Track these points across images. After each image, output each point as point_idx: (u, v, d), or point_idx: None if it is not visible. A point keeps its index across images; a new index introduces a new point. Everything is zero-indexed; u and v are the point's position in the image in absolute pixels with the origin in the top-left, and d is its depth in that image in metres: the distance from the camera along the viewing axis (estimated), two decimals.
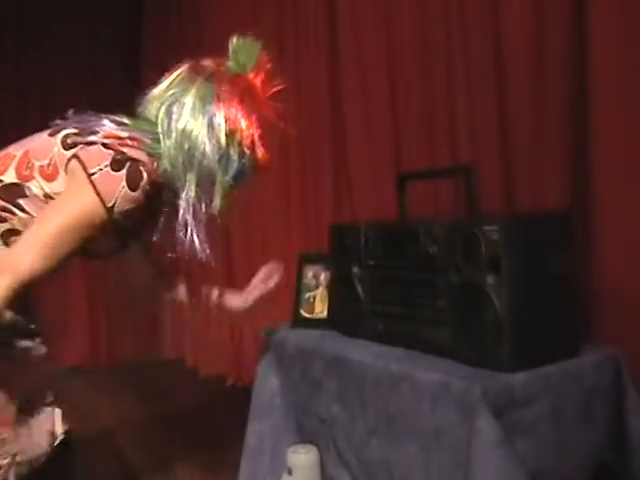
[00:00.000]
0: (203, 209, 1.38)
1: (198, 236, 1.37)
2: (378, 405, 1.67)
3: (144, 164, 1.34)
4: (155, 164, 1.37)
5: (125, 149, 1.33)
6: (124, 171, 1.31)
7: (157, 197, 1.42)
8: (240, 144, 1.40)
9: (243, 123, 1.39)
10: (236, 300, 1.83)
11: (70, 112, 1.43)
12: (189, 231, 1.37)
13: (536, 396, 1.46)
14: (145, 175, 1.34)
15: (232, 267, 3.93)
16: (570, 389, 1.52)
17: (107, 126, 1.37)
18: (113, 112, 1.46)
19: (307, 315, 2.19)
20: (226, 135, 1.38)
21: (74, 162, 1.33)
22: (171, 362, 4.89)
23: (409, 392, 1.57)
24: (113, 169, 1.31)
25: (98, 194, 1.30)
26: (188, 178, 1.37)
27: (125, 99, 1.46)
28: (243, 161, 1.41)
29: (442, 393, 1.48)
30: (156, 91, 1.44)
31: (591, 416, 1.56)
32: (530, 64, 2.04)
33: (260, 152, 1.43)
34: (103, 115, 1.42)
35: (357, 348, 1.84)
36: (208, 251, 1.37)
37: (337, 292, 2.06)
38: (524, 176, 2.08)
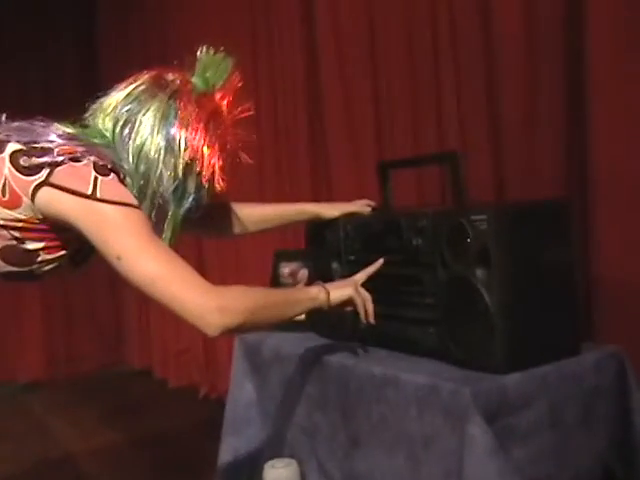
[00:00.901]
0: None
1: None
2: (361, 412, 1.66)
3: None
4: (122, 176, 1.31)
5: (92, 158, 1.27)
6: (112, 175, 1.26)
7: None
8: (199, 175, 1.33)
9: (205, 151, 1.33)
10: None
11: (2, 118, 1.35)
12: None
13: (532, 399, 1.46)
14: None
15: (203, 266, 3.90)
16: (569, 390, 1.52)
17: (56, 141, 1.28)
18: (66, 114, 1.38)
19: None
20: (185, 163, 1.31)
21: (53, 192, 1.24)
22: (138, 374, 4.83)
23: (394, 397, 1.56)
24: (101, 174, 1.25)
25: (118, 203, 1.24)
26: (142, 207, 1.30)
27: (82, 99, 1.39)
28: (200, 194, 1.34)
29: (430, 397, 1.47)
30: (110, 101, 1.36)
31: (593, 419, 1.56)
32: (522, 42, 2.04)
33: (219, 186, 1.36)
34: (43, 124, 1.33)
35: (338, 351, 1.83)
36: None
37: None
38: (516, 163, 2.08)
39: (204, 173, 1.34)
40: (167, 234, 1.34)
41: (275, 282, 2.23)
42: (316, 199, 3.00)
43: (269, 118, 3.26)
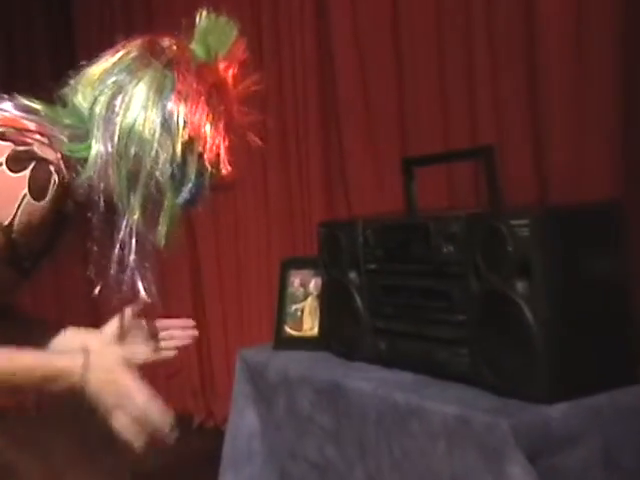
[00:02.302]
0: (148, 239, 1.23)
1: (142, 274, 1.23)
2: (381, 446, 1.65)
3: (56, 166, 1.20)
4: (73, 173, 1.22)
5: (30, 142, 1.18)
6: (26, 172, 1.16)
7: (70, 214, 1.27)
8: (201, 157, 1.24)
9: (208, 130, 1.25)
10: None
11: None
12: (130, 268, 1.22)
13: (582, 435, 1.43)
14: (56, 180, 1.18)
15: (199, 275, 3.88)
16: (625, 425, 1.48)
17: (8, 111, 1.21)
18: (35, 91, 1.29)
19: (293, 333, 2.19)
20: (184, 143, 1.23)
21: None
22: None
23: (419, 429, 1.55)
24: (11, 168, 1.15)
25: None
26: (131, 197, 1.22)
27: (55, 74, 1.29)
28: (201, 180, 1.26)
29: (461, 430, 1.45)
30: (95, 71, 1.27)
31: None
32: (567, 25, 2.02)
33: (225, 170, 1.27)
34: (4, 95, 1.25)
35: (355, 374, 1.83)
36: (154, 292, 1.24)
37: (330, 304, 2.05)
38: (560, 159, 2.06)
39: (207, 155, 1.25)
40: (163, 228, 1.25)
41: (284, 293, 2.22)
42: (330, 203, 3.00)
43: (275, 110, 3.24)
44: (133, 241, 1.23)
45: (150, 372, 4.24)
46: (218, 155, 1.26)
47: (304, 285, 2.22)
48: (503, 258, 1.49)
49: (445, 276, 1.67)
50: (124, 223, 1.23)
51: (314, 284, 2.20)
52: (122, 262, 1.23)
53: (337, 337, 2.01)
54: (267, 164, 3.34)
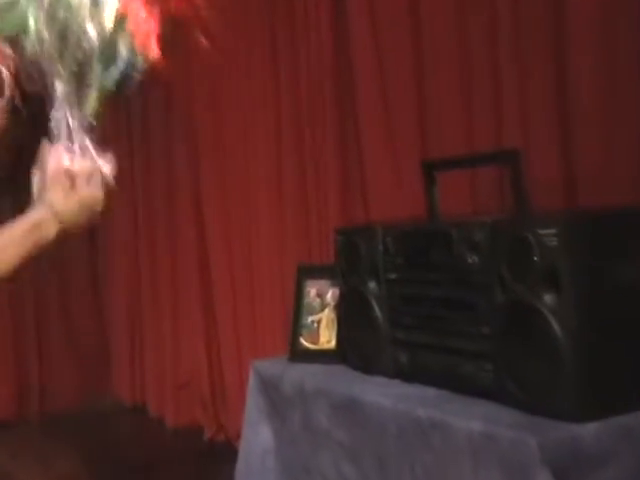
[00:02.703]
0: (79, 113, 1.24)
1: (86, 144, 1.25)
2: (402, 463, 1.65)
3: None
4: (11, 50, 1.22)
5: None
6: None
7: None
8: (131, 38, 1.25)
9: (140, 11, 1.25)
10: None
11: None
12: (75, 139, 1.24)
13: (613, 454, 1.41)
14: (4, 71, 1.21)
15: (209, 285, 3.90)
16: None
17: None
18: None
19: (309, 345, 2.20)
20: (114, 19, 1.23)
21: None
22: (127, 411, 4.70)
23: (442, 446, 1.54)
24: None
25: None
26: (60, 63, 1.22)
27: None
28: (131, 62, 1.25)
29: (486, 448, 1.45)
30: None
31: None
32: (598, 22, 2.00)
33: (154, 54, 1.26)
34: None
35: (374, 388, 1.83)
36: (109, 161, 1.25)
37: (347, 314, 2.06)
38: (590, 162, 2.03)
39: (137, 37, 1.26)
40: (91, 104, 1.25)
41: (299, 304, 2.24)
42: (347, 205, 2.99)
43: (290, 108, 3.25)
44: (68, 111, 1.23)
45: (158, 383, 4.26)
46: (149, 39, 1.26)
47: (321, 296, 2.23)
48: (529, 267, 1.49)
49: (469, 286, 1.67)
50: (58, 94, 1.23)
51: (331, 295, 2.21)
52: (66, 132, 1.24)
53: (355, 349, 2.02)
54: (281, 165, 3.35)
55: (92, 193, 1.26)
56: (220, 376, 3.93)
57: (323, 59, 3.05)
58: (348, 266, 2.02)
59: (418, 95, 2.64)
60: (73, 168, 1.24)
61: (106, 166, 1.27)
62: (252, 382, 2.18)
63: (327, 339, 2.18)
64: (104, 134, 1.27)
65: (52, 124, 1.24)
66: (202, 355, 4.01)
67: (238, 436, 2.14)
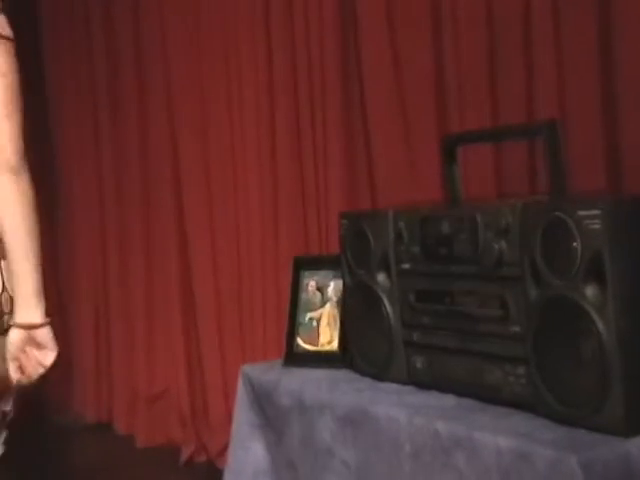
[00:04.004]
0: None
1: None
2: None
3: None
4: None
5: None
6: None
7: None
8: None
9: None
10: None
11: None
12: None
13: None
14: None
15: (189, 279, 3.88)
16: None
17: None
18: None
19: (308, 347, 2.22)
20: None
21: None
22: (92, 428, 4.58)
23: (466, 467, 1.54)
24: None
25: None
26: None
27: None
28: None
29: (519, 467, 1.45)
30: None
31: None
32: None
33: None
34: None
35: (386, 397, 1.84)
36: None
37: (353, 312, 2.07)
38: (637, 136, 2.03)
39: None
40: None
41: (296, 299, 2.25)
42: (352, 188, 2.99)
43: (284, 71, 3.23)
44: None
45: (128, 395, 4.24)
46: None
47: (321, 289, 2.24)
48: (568, 257, 1.49)
49: (497, 279, 1.67)
50: None
51: (333, 288, 2.22)
52: None
53: (362, 352, 2.02)
54: (274, 138, 3.33)
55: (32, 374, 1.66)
56: (202, 385, 3.89)
57: (325, 11, 3.03)
58: (354, 255, 2.03)
59: (435, 57, 2.63)
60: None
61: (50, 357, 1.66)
62: (241, 391, 2.18)
63: (328, 339, 2.20)
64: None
65: None
66: (180, 361, 3.99)
67: (223, 455, 2.13)
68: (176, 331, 4.01)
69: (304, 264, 2.28)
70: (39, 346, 1.64)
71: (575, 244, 1.48)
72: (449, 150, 2.01)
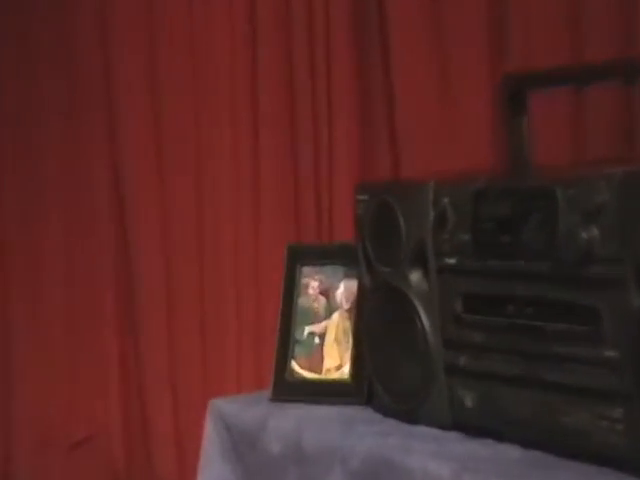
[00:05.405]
0: None
1: None
2: None
3: None
4: None
5: None
6: None
7: None
8: None
9: None
10: None
11: None
12: None
13: None
14: None
15: (131, 283, 3.87)
16: None
17: None
18: None
19: (307, 375, 2.24)
20: None
21: None
22: None
23: None
24: None
25: None
26: None
27: None
28: None
29: None
30: None
31: None
32: None
33: None
34: None
35: (421, 446, 1.84)
36: None
37: (374, 325, 2.08)
38: None
39: None
40: None
41: (290, 305, 2.26)
42: (367, 153, 3.01)
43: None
44: None
45: (38, 440, 4.29)
46: None
47: (327, 293, 2.26)
48: None
49: (584, 282, 1.66)
50: None
51: (344, 291, 2.25)
52: None
53: (386, 383, 2.03)
54: (257, 80, 3.35)
55: None
56: (144, 428, 3.90)
57: None
58: (376, 245, 2.04)
59: None
60: None
61: None
62: (210, 435, 2.21)
63: (336, 363, 2.22)
64: None
65: None
66: (113, 394, 3.99)
67: None
68: (109, 355, 4.00)
69: (302, 256, 2.29)
70: None
71: None
72: (514, 96, 2.02)
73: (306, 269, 2.28)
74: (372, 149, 2.99)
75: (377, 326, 2.06)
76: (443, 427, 1.91)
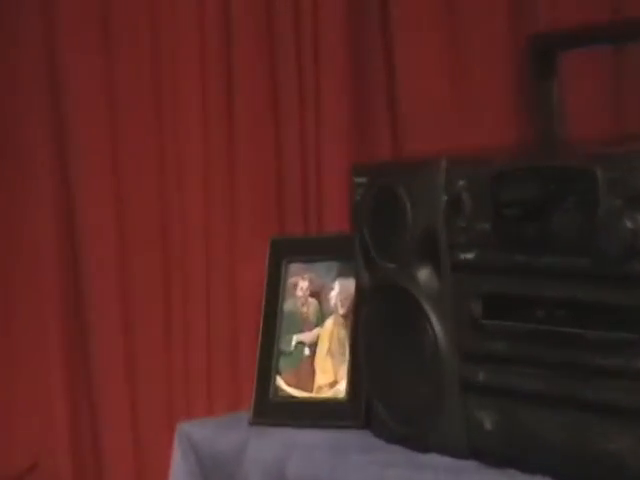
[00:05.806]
0: None
1: None
2: None
3: None
4: None
5: None
6: None
7: None
8: None
9: None
10: None
11: None
12: None
13: None
14: None
15: (80, 287, 3.85)
16: None
17: None
18: None
19: (295, 393, 2.26)
20: None
21: None
22: None
23: None
24: None
25: None
26: None
27: None
28: None
29: None
30: None
31: None
32: None
33: None
34: None
35: (431, 478, 1.85)
36: None
37: (375, 333, 2.08)
38: None
39: None
40: None
41: (274, 308, 2.27)
42: (361, 129, 3.01)
43: None
44: None
45: None
46: None
47: (318, 294, 2.27)
48: None
49: (629, 281, 1.65)
50: None
51: (339, 292, 2.26)
52: None
53: (390, 402, 2.04)
54: (233, 53, 3.34)
55: None
56: (96, 457, 3.89)
57: None
58: (378, 237, 2.04)
59: None
60: None
61: None
62: (178, 464, 2.25)
63: (330, 379, 2.23)
64: None
65: None
66: (61, 419, 3.98)
67: None
68: (54, 373, 3.99)
69: (288, 251, 2.31)
70: None
71: None
72: (542, 57, 2.03)
73: (293, 266, 2.30)
74: (369, 123, 3.01)
75: (378, 334, 2.06)
76: (458, 455, 1.90)
